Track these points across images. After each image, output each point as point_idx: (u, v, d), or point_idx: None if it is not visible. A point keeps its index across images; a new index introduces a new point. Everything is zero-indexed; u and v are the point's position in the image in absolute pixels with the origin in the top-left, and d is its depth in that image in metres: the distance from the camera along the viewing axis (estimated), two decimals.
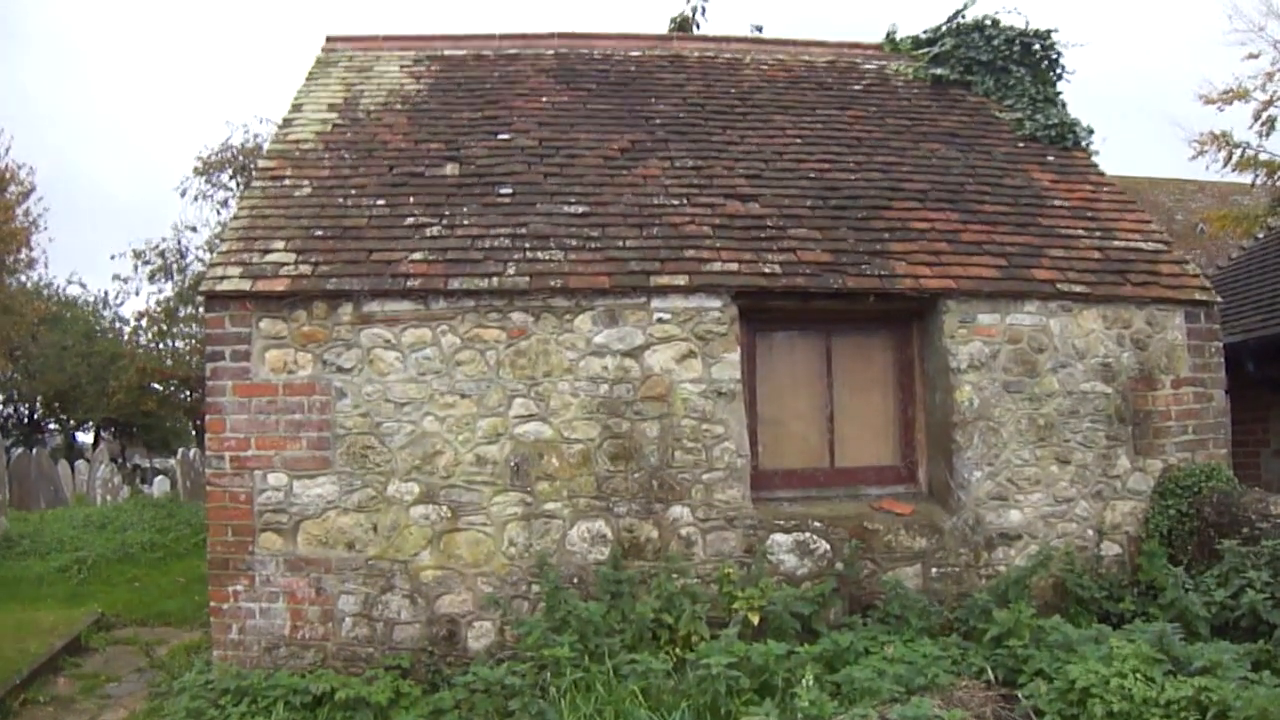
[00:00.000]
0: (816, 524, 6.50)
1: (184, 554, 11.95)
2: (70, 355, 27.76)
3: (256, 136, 14.74)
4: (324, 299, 6.25)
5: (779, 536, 6.45)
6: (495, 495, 6.24)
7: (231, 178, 14.67)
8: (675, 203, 7.20)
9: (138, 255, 15.39)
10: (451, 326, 6.29)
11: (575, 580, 6.18)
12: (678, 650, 5.71)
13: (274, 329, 6.23)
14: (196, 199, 14.97)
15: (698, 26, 10.14)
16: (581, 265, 6.50)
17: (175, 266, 15.36)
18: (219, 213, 15.01)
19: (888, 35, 10.29)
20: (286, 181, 7.18)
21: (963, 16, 9.92)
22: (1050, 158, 8.56)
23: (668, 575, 6.12)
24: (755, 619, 5.88)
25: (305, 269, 6.32)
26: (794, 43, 9.96)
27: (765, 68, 9.43)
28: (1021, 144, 8.71)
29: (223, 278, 6.27)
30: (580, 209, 7.01)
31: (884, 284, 6.78)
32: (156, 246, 15.30)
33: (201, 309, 17.67)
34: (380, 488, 6.18)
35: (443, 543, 6.20)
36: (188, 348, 21.74)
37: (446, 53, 9.16)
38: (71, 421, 33.16)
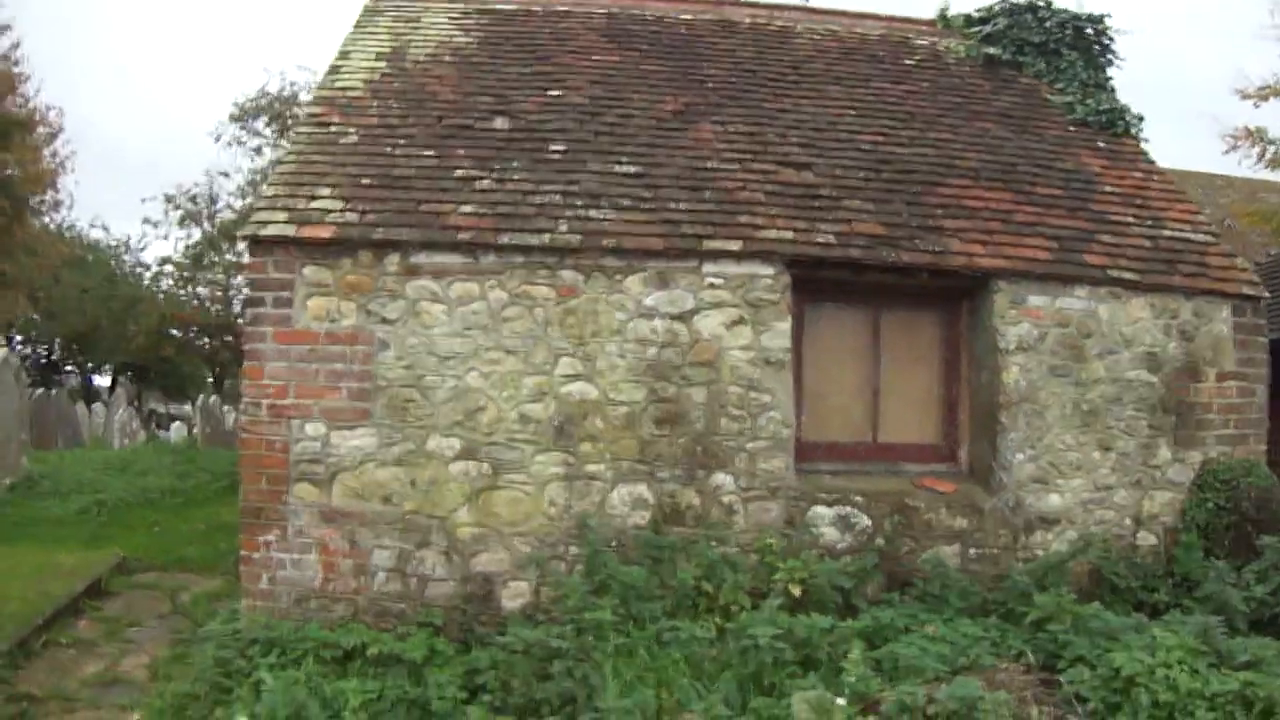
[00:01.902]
0: (858, 498, 6.44)
1: (204, 500, 11.92)
2: (91, 299, 27.71)
3: (293, 84, 14.62)
4: (370, 248, 6.12)
5: (820, 509, 6.38)
6: (537, 454, 6.13)
7: (267, 125, 14.52)
8: (729, 168, 7.06)
9: (169, 200, 15.27)
10: (500, 281, 6.17)
11: (614, 544, 6.08)
12: (717, 619, 5.63)
13: (318, 276, 6.10)
14: (230, 145, 14.84)
15: None
16: (634, 226, 6.37)
17: (205, 213, 15.22)
18: (252, 159, 14.91)
19: (940, 12, 10.13)
20: (333, 128, 7.03)
21: None
22: (1101, 143, 8.42)
23: (708, 543, 6.03)
24: (797, 591, 5.82)
25: (352, 217, 6.19)
26: (845, 14, 9.79)
27: (817, 37, 9.24)
28: (1072, 128, 8.56)
29: (267, 222, 6.14)
30: (633, 169, 6.86)
31: (938, 260, 6.68)
32: (188, 191, 15.18)
33: (230, 255, 17.84)
34: (420, 442, 6.08)
35: (481, 500, 6.10)
36: (209, 294, 21.72)
37: (496, 6, 8.97)
38: (89, 364, 33.19)
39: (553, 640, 5.01)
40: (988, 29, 9.51)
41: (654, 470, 6.23)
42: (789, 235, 6.54)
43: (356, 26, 8.55)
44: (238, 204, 15.11)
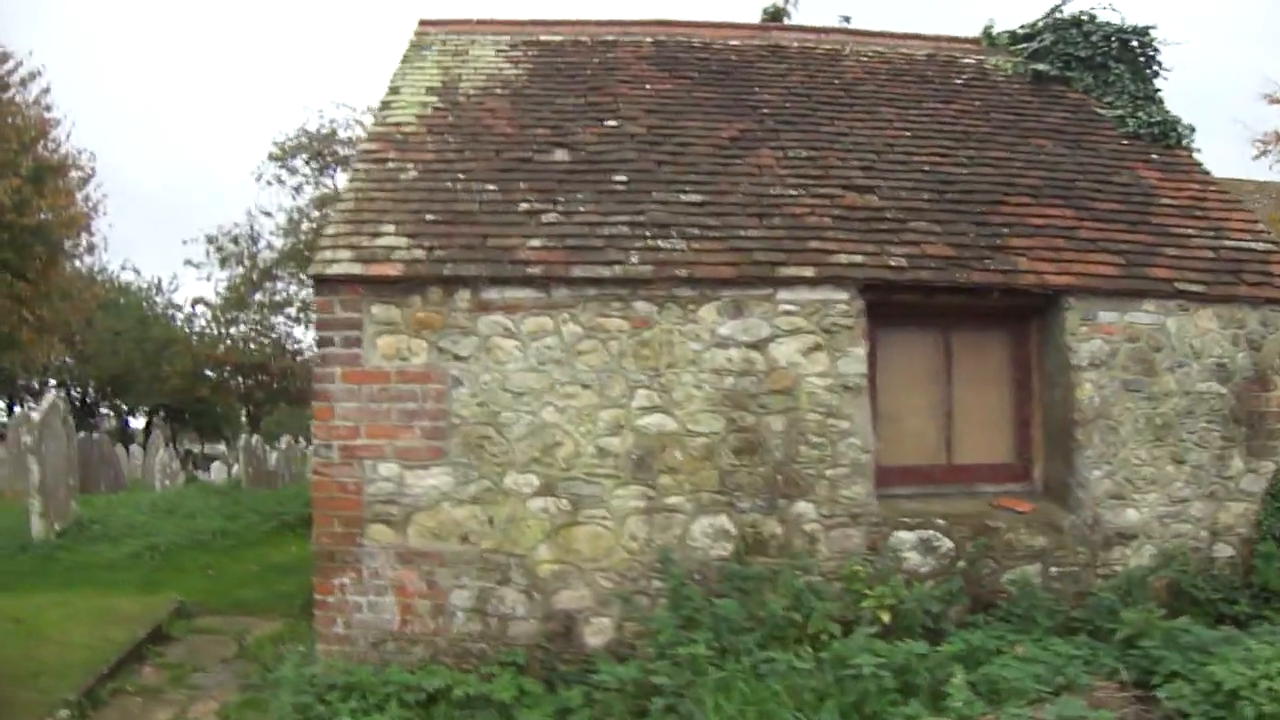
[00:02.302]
0: (939, 521, 6.35)
1: (255, 542, 11.86)
2: (124, 341, 27.85)
3: (332, 121, 14.67)
4: (440, 285, 6.05)
5: (903, 534, 6.28)
6: (616, 488, 6.03)
7: (306, 163, 14.58)
8: (793, 193, 6.98)
9: (210, 240, 15.32)
10: (573, 315, 6.08)
11: (697, 576, 5.98)
12: (807, 648, 5.49)
13: (386, 314, 6.03)
14: (270, 184, 14.90)
15: (789, 17, 9.90)
16: (705, 255, 6.29)
17: (246, 252, 15.27)
18: (293, 197, 14.97)
19: (985, 30, 10.09)
20: (391, 164, 6.99)
21: (1060, 11, 9.68)
22: (1154, 156, 8.33)
23: (793, 572, 5.92)
24: (886, 617, 5.72)
25: (419, 253, 6.12)
26: (891, 35, 9.73)
27: (865, 59, 9.19)
28: (1125, 141, 8.48)
29: (332, 261, 6.08)
30: (698, 197, 6.79)
31: (1008, 279, 6.60)
32: (229, 232, 15.24)
33: (269, 294, 17.86)
34: (497, 479, 5.98)
35: (561, 536, 6.00)
36: (241, 334, 21.73)
37: (543, 38, 8.96)
38: (124, 406, 33.34)
39: (653, 676, 4.89)
40: (1034, 45, 9.46)
41: (734, 501, 6.13)
42: (860, 259, 6.45)
43: (404, 61, 8.54)
44: (278, 243, 15.16)
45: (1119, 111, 8.81)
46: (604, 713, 5.07)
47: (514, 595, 5.97)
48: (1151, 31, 9.42)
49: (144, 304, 29.86)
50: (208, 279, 15.71)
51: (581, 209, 6.59)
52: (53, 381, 29.98)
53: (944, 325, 6.91)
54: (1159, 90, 9.27)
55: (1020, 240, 6.90)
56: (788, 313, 6.26)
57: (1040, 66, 9.22)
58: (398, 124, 7.49)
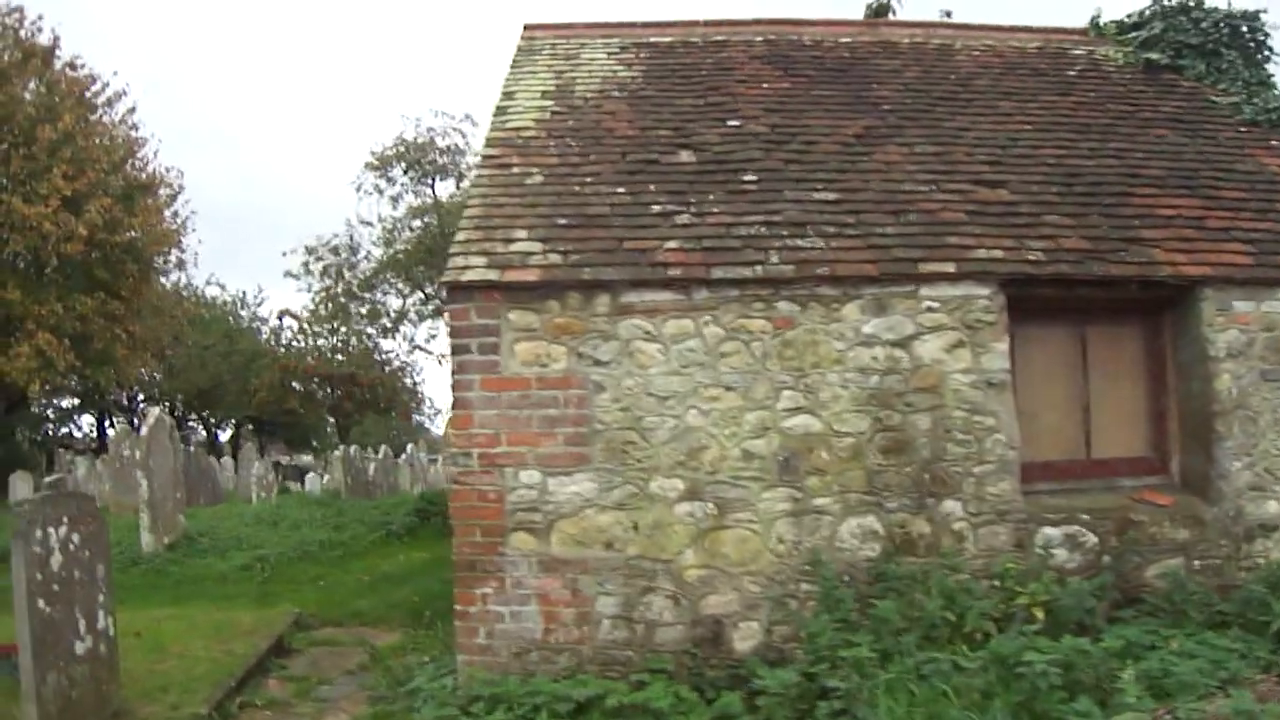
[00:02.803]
0: (1084, 516, 6.18)
1: (362, 552, 11.92)
2: (212, 355, 28.34)
3: (430, 130, 14.71)
4: (578, 289, 5.97)
5: (1049, 530, 6.11)
6: (763, 491, 5.90)
7: (405, 173, 14.64)
8: (924, 189, 6.81)
9: (310, 251, 15.46)
10: (715, 317, 5.97)
11: (845, 578, 5.83)
12: (963, 647, 5.33)
13: (524, 320, 5.96)
14: (369, 194, 14.99)
15: (894, 12, 9.71)
16: (844, 253, 6.15)
17: (347, 262, 15.36)
18: (393, 206, 15.04)
19: (1092, 20, 9.82)
20: (515, 169, 6.94)
21: (1168, 0, 9.40)
22: (1274, 142, 8.02)
23: (944, 571, 5.77)
24: (1040, 614, 5.57)
25: (555, 258, 6.05)
26: (999, 28, 9.49)
27: (977, 54, 8.97)
28: (1243, 129, 8.19)
29: (466, 268, 6.02)
30: (831, 195, 6.65)
31: (1145, 271, 6.39)
32: (328, 243, 15.36)
33: (366, 305, 17.99)
34: (642, 485, 5.88)
35: (707, 541, 5.88)
36: (330, 345, 21.97)
37: (652, 40, 8.88)
38: (213, 419, 33.92)
39: (821, 680, 4.76)
40: (1143, 34, 9.20)
41: (882, 501, 5.98)
42: (999, 254, 6.27)
43: (515, 66, 8.52)
44: (377, 253, 15.25)
45: (1234, 99, 8.54)
46: (765, 718, 4.94)
47: (660, 601, 5.85)
48: (1262, 16, 9.16)
49: (230, 318, 30.36)
50: (308, 290, 15.84)
51: (714, 210, 6.48)
52: (141, 396, 30.59)
53: (1078, 319, 6.71)
54: (1271, 75, 8.98)
55: (1152, 231, 6.68)
56: (930, 309, 6.10)
57: (1152, 55, 8.96)
58: (516, 129, 7.45)
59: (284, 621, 8.61)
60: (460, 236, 6.32)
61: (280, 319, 26.38)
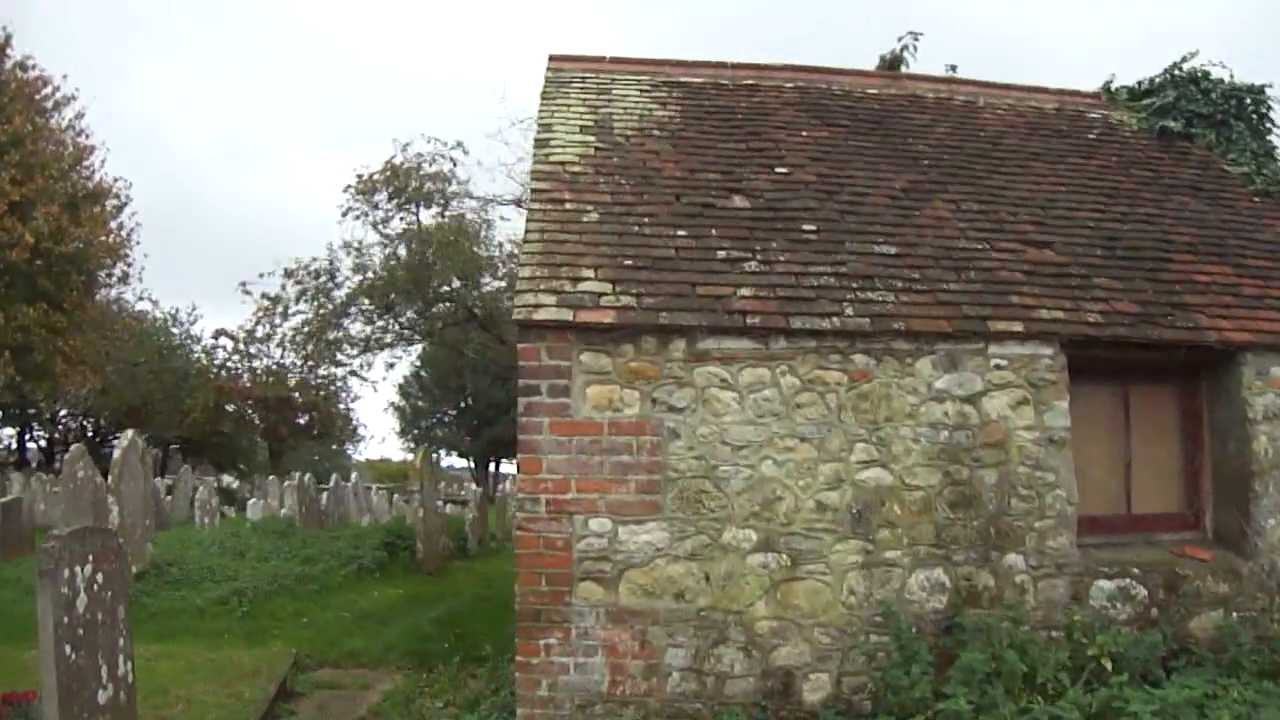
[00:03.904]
0: (1135, 570, 6.34)
1: (337, 588, 11.48)
2: (142, 372, 27.16)
3: (419, 155, 14.42)
4: (654, 334, 5.86)
5: (1103, 583, 6.25)
6: (835, 543, 5.87)
7: (390, 199, 14.30)
8: (979, 246, 6.90)
9: (289, 274, 14.94)
10: (791, 367, 5.92)
11: (914, 629, 5.81)
12: (1037, 697, 5.36)
13: (597, 363, 5.83)
14: (357, 218, 14.59)
15: (907, 65, 9.89)
16: (915, 308, 6.18)
17: (323, 287, 14.90)
18: (378, 230, 14.68)
19: (1105, 85, 10.17)
20: (569, 205, 6.81)
21: (1179, 70, 9.76)
22: None
23: (1010, 623, 5.80)
24: (1109, 665, 5.62)
25: (628, 300, 5.93)
26: (1016, 88, 9.75)
27: (1000, 112, 9.18)
28: (1257, 199, 8.54)
29: (537, 306, 5.86)
30: (891, 249, 6.68)
31: (1194, 336, 6.59)
32: (309, 266, 14.88)
33: (342, 331, 17.48)
34: (715, 535, 5.78)
35: (779, 592, 5.80)
36: (265, 368, 21.18)
37: (682, 79, 8.86)
38: (140, 438, 32.47)
39: None
40: (1157, 102, 9.51)
41: (950, 554, 6.01)
42: (1060, 315, 6.39)
43: (546, 98, 8.40)
44: (356, 278, 14.85)
45: (1244, 168, 8.90)
46: None
47: (731, 653, 5.74)
48: (1267, 90, 9.56)
49: (159, 336, 29.18)
50: (284, 314, 15.23)
51: (780, 258, 6.45)
52: (63, 411, 29.16)
53: (1122, 379, 6.90)
54: (1275, 148, 9.37)
55: (1193, 297, 6.89)
56: (998, 367, 6.18)
57: (1168, 123, 9.26)
58: (562, 163, 7.32)
59: (284, 663, 8.23)
60: (525, 273, 6.16)
61: (216, 338, 25.54)
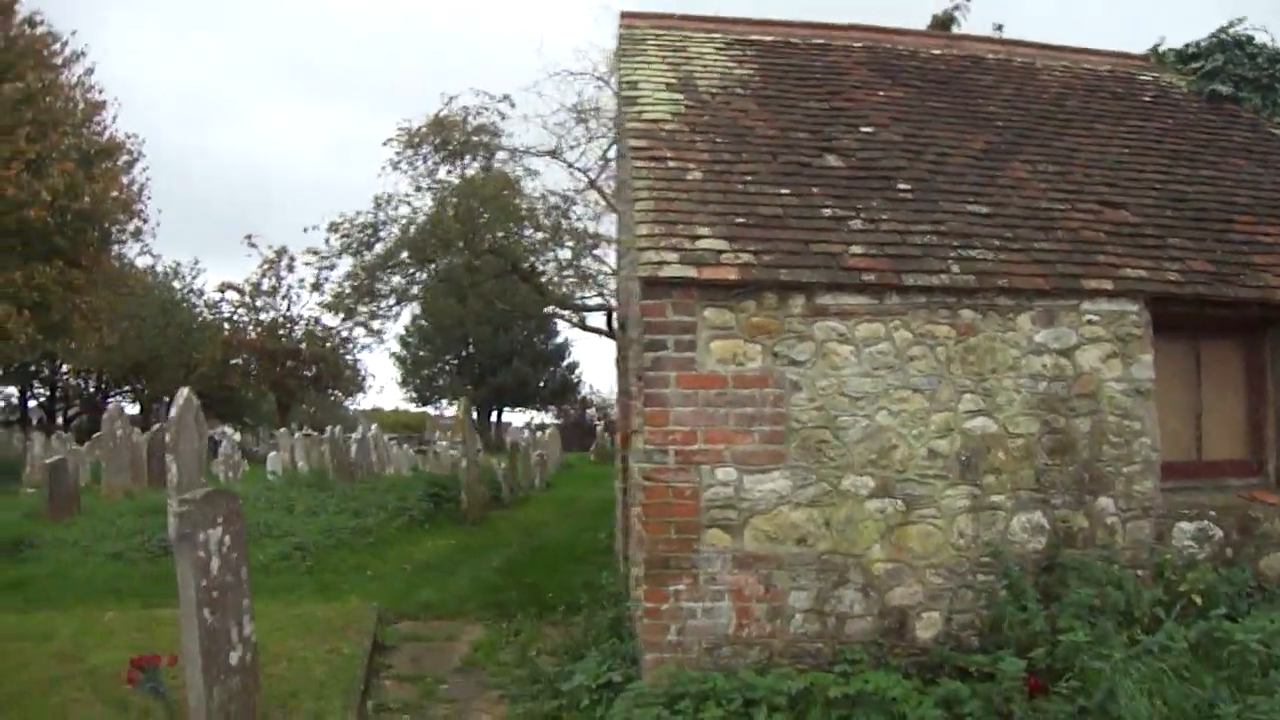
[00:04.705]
0: (1211, 513, 6.76)
1: (390, 539, 11.67)
2: (148, 327, 26.92)
3: (465, 109, 14.40)
4: (774, 290, 6.09)
5: (1184, 524, 6.67)
6: (946, 489, 6.20)
7: (436, 150, 14.29)
8: (1061, 207, 7.19)
9: (334, 228, 14.89)
10: (904, 322, 6.20)
11: (1016, 569, 6.15)
12: (1138, 630, 5.74)
13: (720, 318, 6.05)
14: (401, 169, 14.57)
15: (958, 24, 10.09)
16: (1013, 266, 6.46)
17: (367, 241, 14.86)
18: (423, 183, 14.68)
19: (1153, 48, 10.43)
20: (671, 164, 6.98)
21: (1226, 34, 10.03)
22: None
23: (1106, 562, 6.20)
24: (1198, 600, 6.05)
25: (747, 257, 6.15)
26: (1068, 49, 10.00)
27: (1058, 74, 9.43)
28: None
29: (662, 263, 6.05)
30: (983, 209, 6.95)
31: (1265, 294, 6.94)
32: (355, 219, 14.85)
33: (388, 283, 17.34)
34: (834, 482, 6.06)
35: (895, 536, 6.13)
36: (271, 320, 21.00)
37: (753, 38, 9.02)
38: (146, 393, 32.21)
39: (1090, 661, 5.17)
40: (1206, 65, 9.77)
41: (1048, 498, 6.37)
42: (1143, 274, 6.70)
43: (624, 55, 8.55)
44: (396, 232, 14.84)
45: None
46: (1004, 700, 5.23)
47: (851, 594, 6.06)
48: None
49: (163, 290, 28.87)
50: (331, 268, 15.23)
51: (883, 216, 6.69)
52: (64, 368, 28.85)
53: (1194, 335, 7.22)
54: None
55: (1260, 258, 7.23)
56: (1090, 322, 6.49)
57: (1218, 87, 9.54)
58: (655, 121, 7.47)
59: (369, 618, 8.35)
60: (643, 230, 6.33)
61: (222, 292, 25.36)
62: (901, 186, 7.04)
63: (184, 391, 11.62)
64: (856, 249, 6.33)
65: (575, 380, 50.75)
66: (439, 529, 12.75)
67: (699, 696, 5.44)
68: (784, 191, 6.82)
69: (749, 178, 6.93)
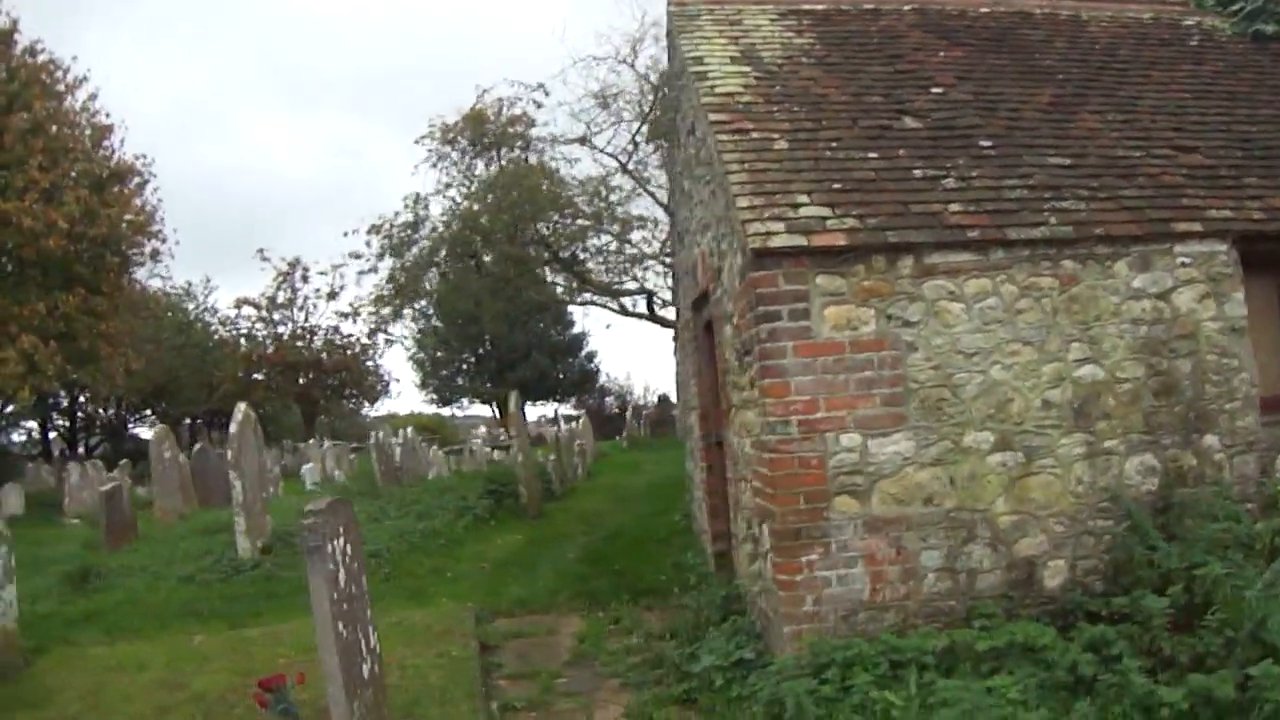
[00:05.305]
0: None
1: (460, 539, 11.72)
2: (166, 348, 26.76)
3: (499, 101, 14.35)
4: (883, 252, 6.16)
5: None
6: (1061, 437, 6.28)
7: (471, 144, 14.23)
8: (1137, 154, 7.25)
9: (374, 230, 14.81)
10: (1009, 276, 6.27)
11: (1139, 511, 6.24)
12: (1260, 563, 5.77)
13: (831, 285, 6.11)
14: (434, 165, 14.50)
15: None
16: (1105, 214, 6.53)
17: (406, 240, 14.78)
18: (462, 178, 14.62)
19: None
20: (754, 135, 7.02)
21: None
22: None
23: (1218, 498, 6.29)
24: None
25: (851, 222, 6.21)
26: None
27: (1104, 24, 9.46)
28: None
29: (770, 234, 6.10)
30: (1065, 160, 7.01)
31: None
32: (394, 219, 14.76)
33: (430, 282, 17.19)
34: (956, 439, 6.14)
35: (1017, 488, 6.20)
36: (290, 332, 20.91)
37: (805, 7, 9.04)
38: (169, 414, 32.05)
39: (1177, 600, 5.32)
40: (1248, 6, 9.83)
41: (1158, 439, 6.46)
42: (1228, 214, 6.78)
43: (682, 31, 8.56)
44: (437, 230, 14.76)
45: None
46: (1150, 640, 5.33)
47: (980, 550, 6.14)
48: None
49: (176, 311, 28.68)
50: (374, 270, 15.15)
51: (972, 174, 6.76)
52: (83, 397, 28.65)
53: (1275, 271, 7.24)
54: None
55: None
56: (1183, 264, 6.57)
57: (1262, 27, 9.59)
58: (729, 94, 7.50)
59: (468, 619, 8.40)
60: (743, 203, 6.37)
61: (238, 308, 25.22)
62: (983, 143, 7.10)
63: (241, 407, 11.68)
64: (955, 206, 6.40)
65: (594, 369, 51.03)
66: (503, 525, 12.80)
67: (844, 664, 5.46)
68: (871, 155, 6.88)
69: (834, 144, 6.98)
